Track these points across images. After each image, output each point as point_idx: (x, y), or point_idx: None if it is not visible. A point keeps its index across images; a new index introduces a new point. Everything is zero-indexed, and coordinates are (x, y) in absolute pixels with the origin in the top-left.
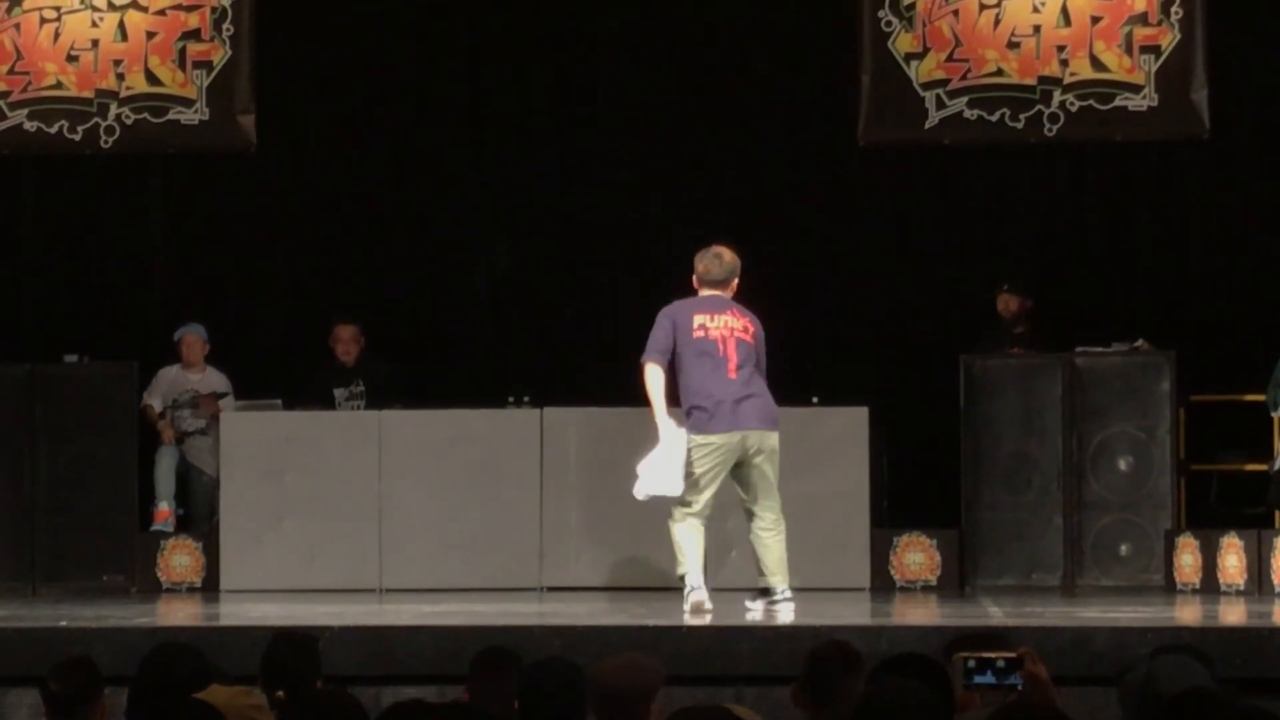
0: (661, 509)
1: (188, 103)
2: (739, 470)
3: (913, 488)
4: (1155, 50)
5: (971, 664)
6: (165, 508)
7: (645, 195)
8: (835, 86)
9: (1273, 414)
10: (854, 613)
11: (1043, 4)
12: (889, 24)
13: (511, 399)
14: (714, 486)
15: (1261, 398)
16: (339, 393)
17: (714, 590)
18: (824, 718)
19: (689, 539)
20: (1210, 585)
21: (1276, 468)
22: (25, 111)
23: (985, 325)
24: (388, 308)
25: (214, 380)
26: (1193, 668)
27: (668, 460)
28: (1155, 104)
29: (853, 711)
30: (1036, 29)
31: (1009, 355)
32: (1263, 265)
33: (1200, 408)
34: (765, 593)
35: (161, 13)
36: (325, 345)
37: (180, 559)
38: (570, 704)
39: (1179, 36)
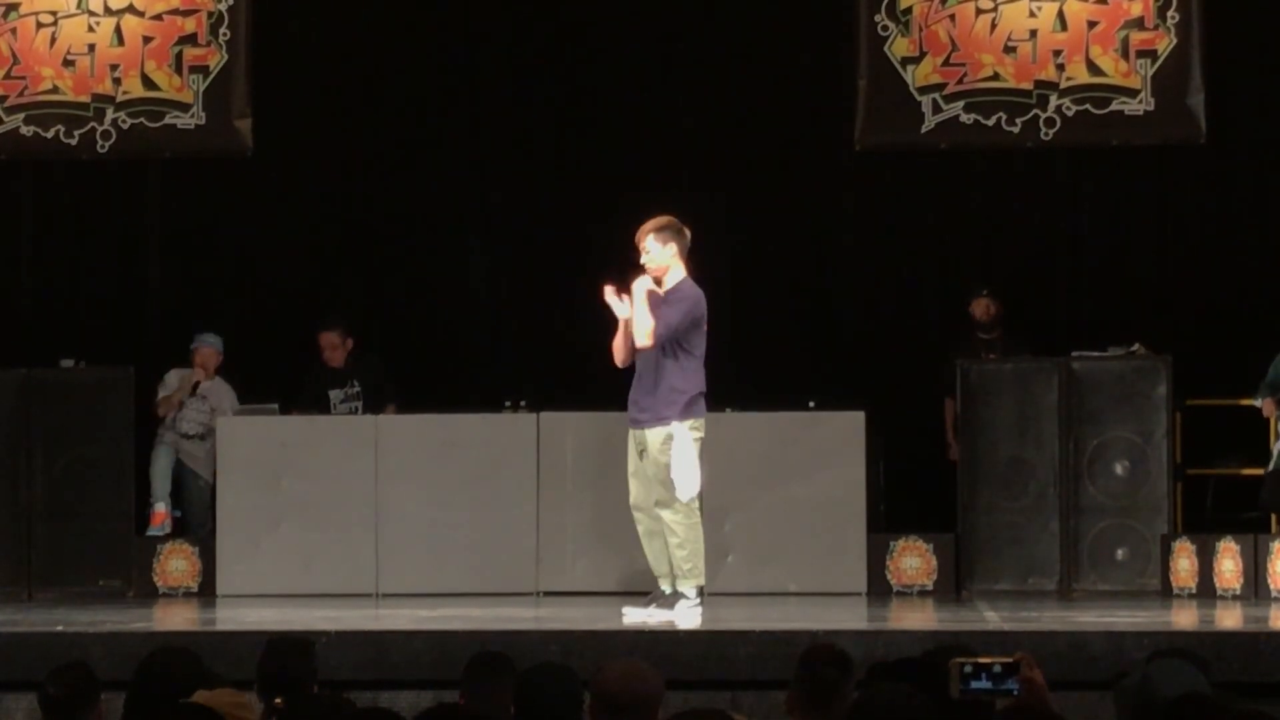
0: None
1: (184, 107)
2: None
3: (909, 492)
4: (1151, 55)
5: (968, 669)
6: (162, 509)
7: (641, 199)
8: (831, 90)
9: (1256, 402)
10: (850, 617)
11: (1039, 9)
12: (885, 28)
13: (508, 403)
14: None
15: (1258, 403)
16: (334, 394)
17: (711, 595)
18: None
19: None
20: (1206, 590)
21: (1272, 468)
22: (22, 116)
23: (959, 330)
24: (385, 312)
25: (220, 390)
26: (1189, 672)
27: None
28: (1151, 108)
29: (846, 716)
30: (1033, 33)
31: (989, 360)
32: (1259, 270)
33: (1196, 412)
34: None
35: (158, 17)
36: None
37: (177, 564)
38: (567, 709)
39: (1175, 41)
